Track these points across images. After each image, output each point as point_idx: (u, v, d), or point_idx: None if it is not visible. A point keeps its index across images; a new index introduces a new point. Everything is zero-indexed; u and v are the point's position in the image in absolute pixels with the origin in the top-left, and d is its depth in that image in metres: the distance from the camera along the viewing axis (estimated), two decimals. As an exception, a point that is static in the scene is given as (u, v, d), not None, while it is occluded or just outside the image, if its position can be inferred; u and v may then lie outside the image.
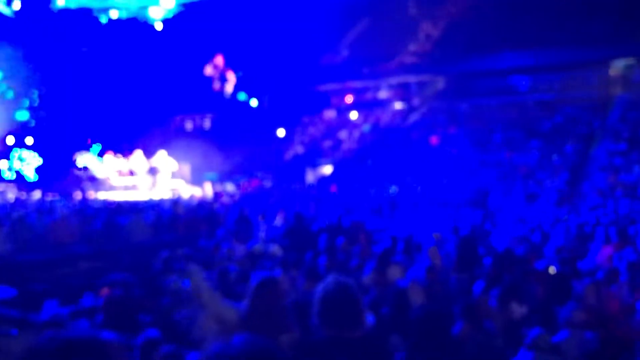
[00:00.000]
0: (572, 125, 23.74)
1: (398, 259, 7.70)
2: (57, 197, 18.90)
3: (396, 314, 5.01)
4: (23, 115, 25.38)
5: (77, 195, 19.61)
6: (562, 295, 6.40)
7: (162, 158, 23.35)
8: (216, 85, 30.71)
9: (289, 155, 29.18)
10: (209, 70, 30.39)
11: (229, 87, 30.90)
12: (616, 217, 12.74)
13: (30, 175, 23.43)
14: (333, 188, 21.37)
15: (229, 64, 30.89)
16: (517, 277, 6.67)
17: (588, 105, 25.14)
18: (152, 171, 22.89)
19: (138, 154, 23.25)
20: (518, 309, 5.81)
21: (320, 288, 2.85)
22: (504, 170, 20.45)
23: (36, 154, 24.00)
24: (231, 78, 30.90)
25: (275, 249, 9.25)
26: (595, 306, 5.76)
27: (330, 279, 2.91)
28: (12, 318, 4.55)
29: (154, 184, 22.36)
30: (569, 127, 23.57)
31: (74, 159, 22.88)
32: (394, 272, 6.72)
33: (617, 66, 26.46)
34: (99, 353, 1.40)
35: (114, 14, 24.82)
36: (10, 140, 24.46)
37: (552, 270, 7.67)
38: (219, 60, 30.60)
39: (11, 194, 20.03)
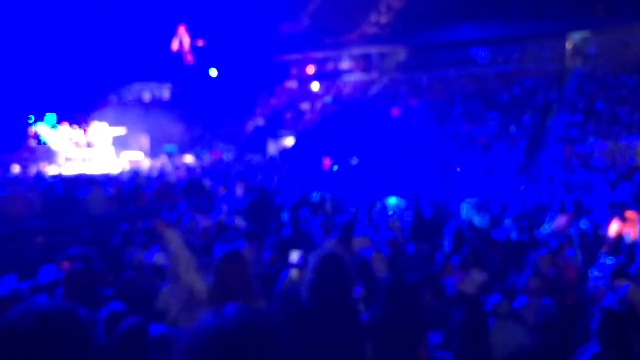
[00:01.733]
0: (530, 97, 24.12)
1: (360, 230, 7.76)
2: (12, 170, 18.33)
3: (360, 284, 5.08)
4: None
5: (32, 168, 19.06)
6: (520, 263, 6.59)
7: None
8: (187, 59, 30.00)
9: (250, 126, 28.91)
10: (175, 45, 29.67)
11: (187, 57, 30.26)
12: (571, 187, 13.09)
13: None
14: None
15: (189, 33, 30.23)
16: (476, 246, 6.81)
17: (545, 77, 25.55)
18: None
19: (95, 124, 22.64)
20: (478, 277, 5.95)
21: (313, 260, 2.88)
22: (462, 142, 20.71)
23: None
24: (187, 43, 30.19)
25: (238, 220, 9.23)
26: (551, 273, 5.94)
27: (322, 251, 2.95)
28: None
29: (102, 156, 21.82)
30: (527, 99, 23.95)
31: (27, 130, 22.11)
32: (357, 243, 6.78)
33: (573, 39, 26.90)
34: (73, 326, 1.35)
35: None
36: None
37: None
38: (182, 30, 29.89)
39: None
